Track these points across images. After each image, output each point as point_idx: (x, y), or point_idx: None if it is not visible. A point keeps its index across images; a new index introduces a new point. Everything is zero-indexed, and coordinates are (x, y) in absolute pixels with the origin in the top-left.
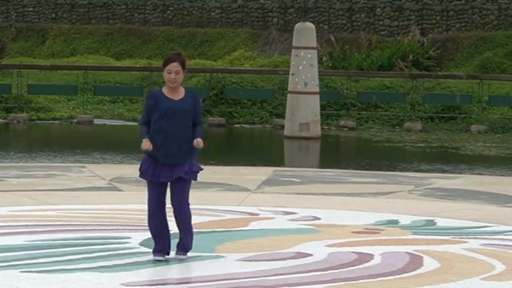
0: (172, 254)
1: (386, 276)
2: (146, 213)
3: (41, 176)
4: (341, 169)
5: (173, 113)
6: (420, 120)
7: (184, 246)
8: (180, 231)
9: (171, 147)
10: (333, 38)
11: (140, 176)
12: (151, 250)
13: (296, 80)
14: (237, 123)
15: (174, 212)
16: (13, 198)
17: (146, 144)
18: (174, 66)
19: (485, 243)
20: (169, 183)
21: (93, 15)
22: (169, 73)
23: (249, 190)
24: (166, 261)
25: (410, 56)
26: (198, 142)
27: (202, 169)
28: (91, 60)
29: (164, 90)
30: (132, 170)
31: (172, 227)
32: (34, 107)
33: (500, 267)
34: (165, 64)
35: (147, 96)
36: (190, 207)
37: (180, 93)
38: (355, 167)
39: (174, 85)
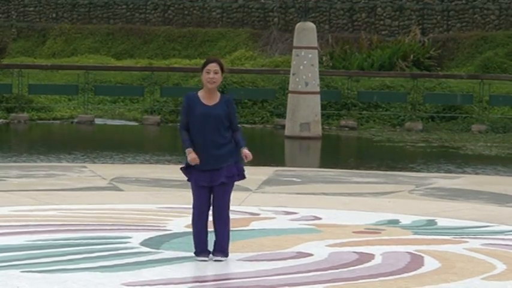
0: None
1: (387, 276)
2: (146, 213)
3: (42, 176)
4: (342, 169)
5: (208, 118)
6: (421, 120)
7: (223, 249)
8: (217, 233)
9: (210, 152)
10: (330, 38)
11: (187, 178)
12: (151, 250)
13: (297, 79)
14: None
15: (214, 215)
16: (14, 198)
17: (192, 157)
18: (213, 66)
19: (486, 243)
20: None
21: (93, 15)
22: (208, 73)
23: (250, 190)
24: (205, 261)
25: (411, 56)
26: (246, 155)
27: (244, 170)
28: (92, 60)
29: (200, 94)
30: (132, 170)
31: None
32: (35, 106)
33: (501, 267)
34: (204, 65)
35: (183, 100)
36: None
37: (215, 98)
38: (356, 166)
39: (212, 85)
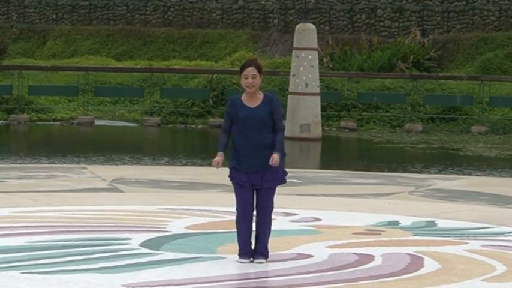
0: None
1: (387, 277)
2: (146, 214)
3: (42, 177)
4: (342, 170)
5: (251, 120)
6: (421, 121)
7: (265, 252)
8: (259, 236)
9: (253, 155)
10: (330, 40)
11: (230, 178)
12: (151, 251)
13: (297, 81)
14: None
15: (257, 217)
16: (14, 199)
17: (216, 160)
18: (250, 70)
19: (486, 244)
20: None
21: (93, 16)
22: (246, 78)
23: None
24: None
25: (411, 57)
26: (274, 160)
27: (287, 173)
28: (92, 61)
29: (243, 97)
30: (132, 171)
31: None
32: (35, 108)
33: (501, 268)
34: (241, 70)
35: (227, 104)
36: (195, 207)
37: (258, 100)
38: (356, 168)
39: (252, 89)
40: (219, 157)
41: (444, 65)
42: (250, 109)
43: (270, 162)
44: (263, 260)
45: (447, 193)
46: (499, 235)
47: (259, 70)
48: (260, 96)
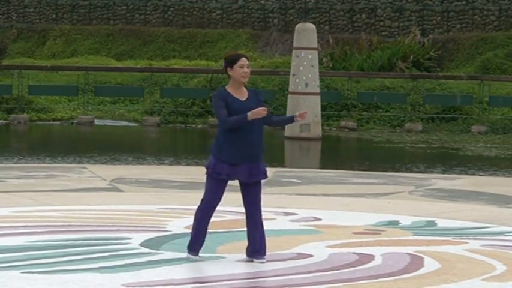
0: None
1: (387, 277)
2: (146, 214)
3: (42, 176)
4: (342, 170)
5: (243, 113)
6: (421, 121)
7: (261, 249)
8: (252, 235)
9: (244, 147)
10: (331, 39)
11: (207, 172)
12: (151, 251)
13: (297, 80)
14: None
15: (248, 215)
16: (14, 199)
17: (260, 109)
18: (246, 60)
19: (486, 244)
20: (240, 185)
21: (93, 15)
22: (242, 67)
23: None
24: (180, 260)
25: (411, 57)
26: (304, 114)
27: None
28: (92, 61)
29: (229, 89)
30: (132, 170)
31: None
32: (35, 107)
33: (501, 267)
34: (235, 61)
35: (215, 97)
36: (195, 207)
37: (244, 93)
38: (356, 167)
39: (246, 79)
40: (255, 110)
41: (444, 65)
42: (241, 101)
43: (299, 116)
44: (263, 260)
45: (447, 193)
46: (499, 235)
47: None
48: (244, 89)
